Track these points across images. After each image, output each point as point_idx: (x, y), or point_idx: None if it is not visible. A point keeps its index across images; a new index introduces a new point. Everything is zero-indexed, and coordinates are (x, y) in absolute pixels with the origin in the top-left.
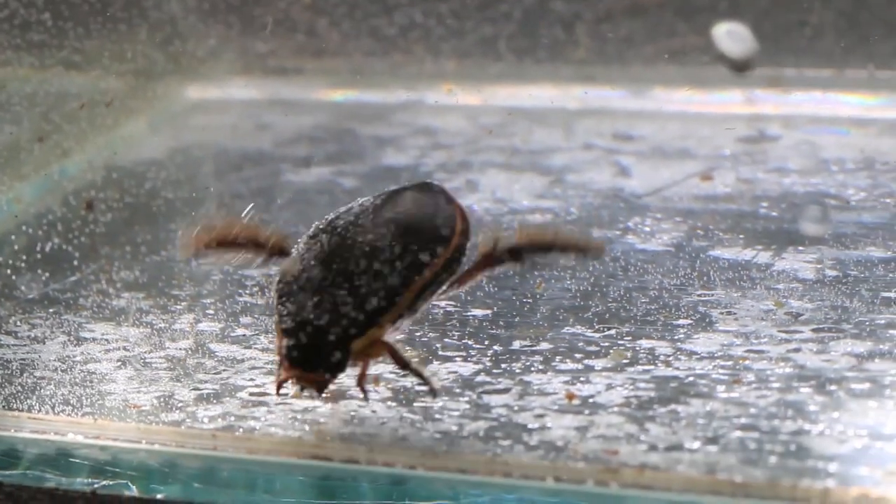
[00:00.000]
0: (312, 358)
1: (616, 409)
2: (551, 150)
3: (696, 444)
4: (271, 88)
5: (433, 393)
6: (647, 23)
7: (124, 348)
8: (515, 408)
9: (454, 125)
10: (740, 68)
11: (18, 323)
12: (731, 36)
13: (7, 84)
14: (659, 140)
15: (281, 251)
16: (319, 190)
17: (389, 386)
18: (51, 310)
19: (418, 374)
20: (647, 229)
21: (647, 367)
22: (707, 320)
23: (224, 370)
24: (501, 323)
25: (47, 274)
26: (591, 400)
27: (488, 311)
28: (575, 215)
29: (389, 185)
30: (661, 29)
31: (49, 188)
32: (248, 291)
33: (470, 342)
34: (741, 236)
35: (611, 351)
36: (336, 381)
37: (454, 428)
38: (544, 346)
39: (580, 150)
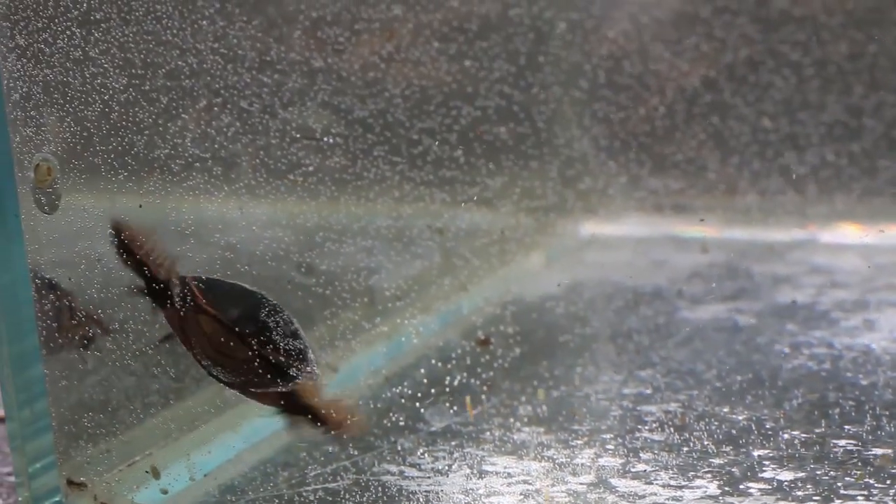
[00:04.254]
0: None
1: None
2: None
3: None
4: (665, 225)
5: None
6: None
7: (526, 482)
8: None
9: (850, 264)
10: None
11: (423, 455)
12: None
13: (417, 219)
14: None
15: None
16: (716, 328)
17: None
18: (454, 443)
19: None
20: None
21: None
22: None
23: None
24: None
25: (453, 407)
26: None
27: (890, 451)
28: None
29: (786, 324)
30: None
31: (451, 321)
32: (647, 427)
33: (871, 481)
34: None
35: None
36: None
37: None
38: None
39: None
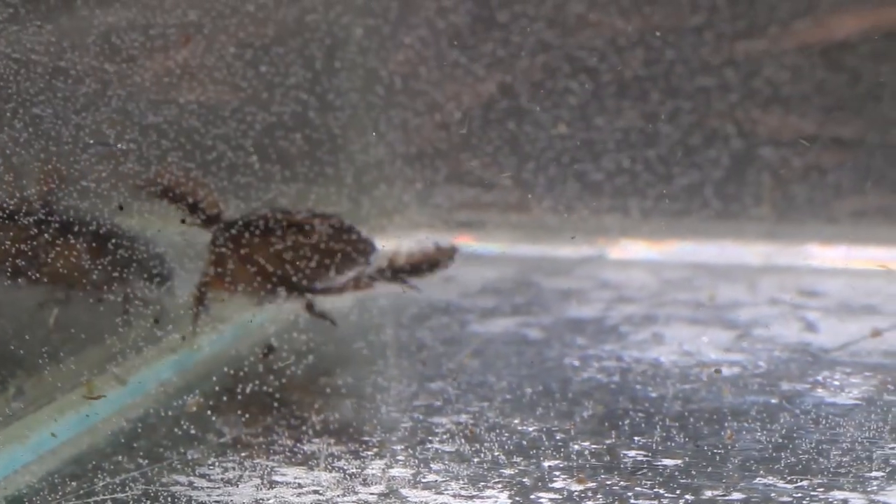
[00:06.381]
0: None
1: None
2: (736, 305)
3: None
4: (457, 239)
5: None
6: (833, 181)
7: (316, 492)
8: None
9: (638, 279)
10: None
11: (213, 465)
12: None
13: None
14: (845, 296)
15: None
16: (505, 341)
17: None
18: (243, 453)
19: None
20: (837, 383)
21: None
22: None
23: None
24: (693, 472)
25: (244, 417)
26: None
27: (679, 461)
28: (763, 368)
29: (575, 338)
30: (846, 188)
31: (241, 335)
32: (438, 438)
33: (661, 491)
34: None
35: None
36: None
37: None
38: (736, 496)
39: (765, 305)
